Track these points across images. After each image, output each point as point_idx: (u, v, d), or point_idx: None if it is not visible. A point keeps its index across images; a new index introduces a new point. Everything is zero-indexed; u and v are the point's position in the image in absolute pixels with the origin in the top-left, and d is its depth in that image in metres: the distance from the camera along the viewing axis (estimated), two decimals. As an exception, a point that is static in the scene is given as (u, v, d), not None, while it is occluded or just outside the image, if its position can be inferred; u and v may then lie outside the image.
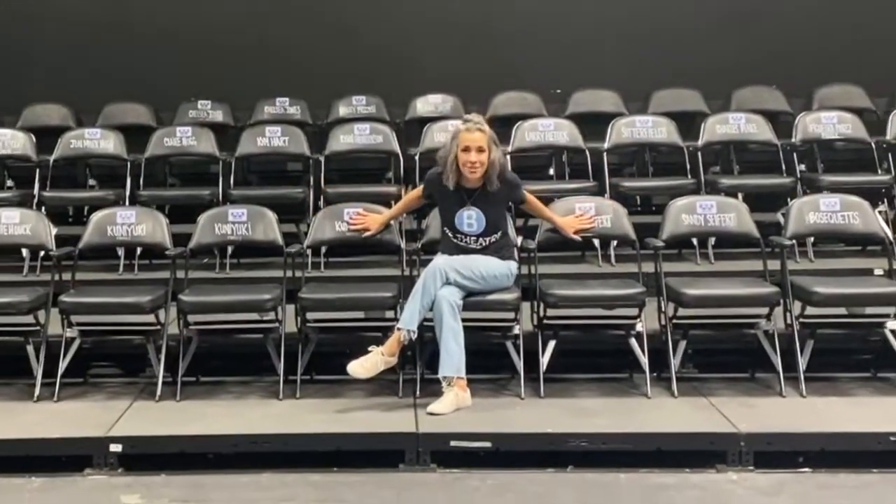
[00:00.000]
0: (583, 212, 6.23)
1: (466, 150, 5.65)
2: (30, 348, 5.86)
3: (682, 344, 5.87)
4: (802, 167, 7.83)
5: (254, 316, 5.96)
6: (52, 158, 7.86)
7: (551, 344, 5.77)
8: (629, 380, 5.97)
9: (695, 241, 6.94)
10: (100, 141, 8.01)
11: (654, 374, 5.79)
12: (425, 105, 8.76)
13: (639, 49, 8.83)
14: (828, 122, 7.92)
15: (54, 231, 6.45)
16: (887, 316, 5.83)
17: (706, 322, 5.96)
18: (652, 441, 5.13)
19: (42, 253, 6.66)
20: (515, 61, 8.82)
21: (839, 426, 5.20)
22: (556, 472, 5.02)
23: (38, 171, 7.82)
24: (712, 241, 6.98)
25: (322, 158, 7.87)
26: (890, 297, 5.84)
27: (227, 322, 6.02)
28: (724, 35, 8.86)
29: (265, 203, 6.62)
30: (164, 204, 7.31)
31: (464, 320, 5.51)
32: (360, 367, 5.44)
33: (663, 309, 5.90)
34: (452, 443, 5.10)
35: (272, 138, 7.99)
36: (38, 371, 5.77)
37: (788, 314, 5.85)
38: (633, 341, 5.76)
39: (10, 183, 8.08)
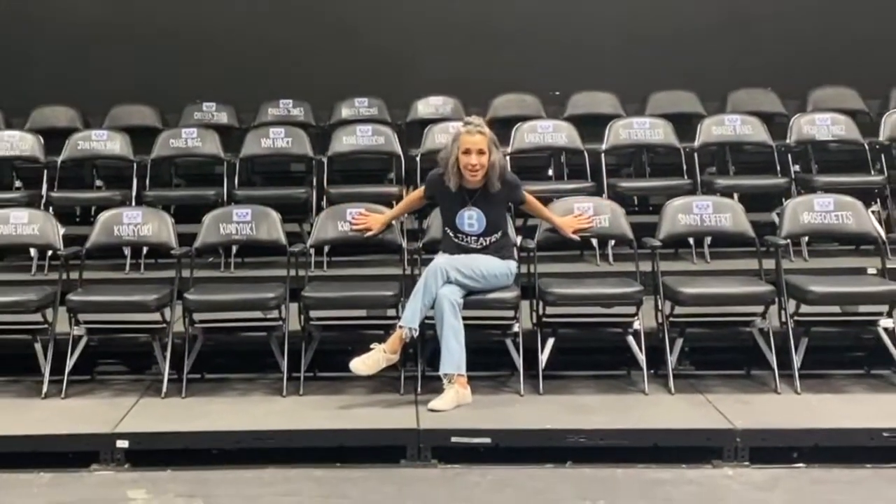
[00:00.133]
0: (581, 212, 6.23)
1: (467, 152, 5.64)
2: (38, 346, 5.86)
3: (679, 341, 5.87)
4: (797, 168, 7.82)
5: (258, 314, 5.97)
6: (59, 159, 7.87)
7: (550, 342, 5.76)
8: (627, 377, 5.97)
9: (691, 240, 6.93)
10: (106, 142, 8.01)
11: (652, 372, 5.78)
12: (426, 107, 8.75)
13: (636, 52, 8.83)
14: (822, 124, 7.92)
15: (62, 231, 6.44)
16: (880, 314, 5.83)
17: (702, 320, 5.97)
18: (649, 437, 5.13)
19: (50, 252, 6.65)
20: (515, 64, 8.82)
21: (833, 422, 5.20)
22: (555, 468, 5.02)
23: (45, 171, 7.82)
24: (708, 240, 6.98)
25: (325, 159, 7.87)
26: (883, 295, 5.83)
27: (231, 320, 6.02)
28: (720, 38, 8.85)
29: (269, 203, 6.61)
30: (170, 204, 7.30)
31: (464, 318, 5.51)
32: (362, 365, 5.44)
33: (660, 307, 5.90)
34: (453, 439, 5.10)
35: (276, 139, 7.99)
36: (46, 368, 5.77)
37: (783, 312, 5.84)
38: (631, 339, 5.75)
39: (18, 183, 8.10)
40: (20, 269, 7.12)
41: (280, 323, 5.85)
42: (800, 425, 5.17)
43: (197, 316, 5.87)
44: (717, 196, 6.77)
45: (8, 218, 6.43)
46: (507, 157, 6.88)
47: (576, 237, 6.22)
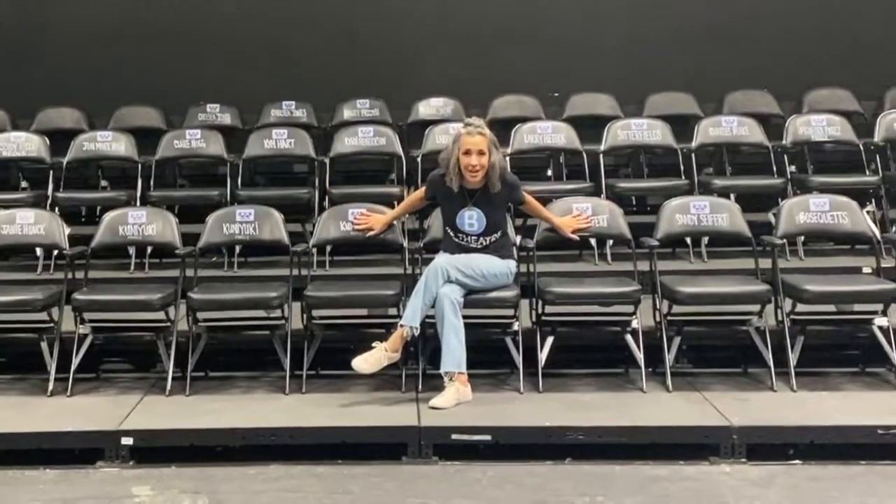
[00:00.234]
0: (580, 212, 6.23)
1: (467, 153, 5.65)
2: (44, 344, 5.86)
3: (677, 340, 5.87)
4: (793, 168, 7.82)
5: (261, 313, 5.97)
6: (65, 160, 7.87)
7: (549, 340, 5.76)
8: (625, 375, 5.97)
9: (688, 240, 6.93)
10: (111, 143, 8.01)
11: (650, 370, 5.78)
12: (427, 108, 8.75)
13: (634, 54, 8.83)
14: (817, 125, 7.92)
15: (67, 231, 6.44)
16: (875, 313, 5.82)
17: (700, 319, 5.98)
18: (647, 434, 5.13)
19: (56, 252, 6.66)
20: (514, 66, 8.81)
21: (828, 419, 5.20)
22: (555, 465, 5.02)
23: (51, 172, 7.82)
24: (705, 240, 6.98)
25: (327, 160, 7.87)
26: (877, 294, 5.83)
27: (234, 319, 6.02)
28: (717, 41, 8.85)
29: (272, 203, 6.61)
30: (174, 204, 7.30)
31: (464, 317, 5.51)
32: (364, 363, 5.45)
33: (658, 306, 5.90)
34: (454, 436, 5.10)
35: (279, 141, 7.99)
36: (52, 366, 5.77)
37: (779, 311, 5.85)
38: (629, 337, 5.76)
39: (24, 184, 8.10)
40: (26, 269, 7.13)
41: (283, 322, 5.86)
42: (796, 422, 5.17)
43: (201, 315, 5.87)
44: (714, 196, 6.77)
45: (14, 218, 6.44)
46: (507, 158, 6.87)
47: (575, 237, 6.22)
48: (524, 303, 5.84)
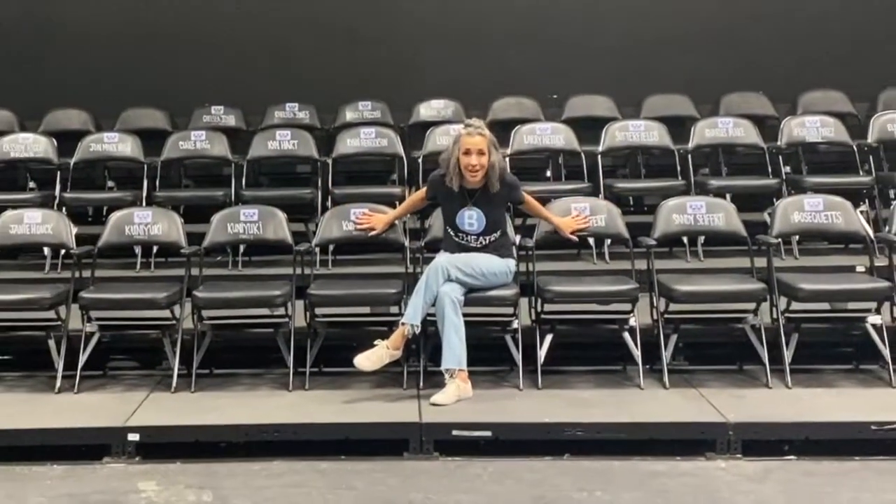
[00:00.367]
0: (578, 212, 6.23)
1: (467, 153, 5.65)
2: (51, 342, 5.86)
3: (674, 338, 5.87)
4: (787, 169, 7.81)
5: (265, 311, 5.96)
6: (72, 161, 7.87)
7: (548, 337, 5.76)
8: (623, 372, 5.97)
9: (685, 239, 6.93)
10: (118, 144, 8.01)
11: (647, 367, 5.78)
12: (428, 110, 8.74)
13: (632, 57, 8.82)
14: (811, 126, 7.92)
15: (74, 230, 6.45)
16: (868, 311, 5.82)
17: (696, 317, 5.97)
18: (645, 430, 5.13)
19: (63, 251, 6.65)
20: (514, 68, 8.80)
21: (823, 416, 5.20)
22: (554, 460, 5.02)
23: (58, 173, 7.81)
24: (702, 239, 6.97)
25: (329, 161, 7.87)
26: (871, 292, 5.83)
27: (239, 317, 6.01)
28: (713, 43, 8.84)
29: (275, 203, 6.61)
30: (179, 204, 7.30)
31: (465, 315, 5.51)
32: (365, 361, 5.44)
33: (655, 304, 5.89)
34: (454, 432, 5.10)
35: (282, 142, 7.98)
36: (59, 364, 5.76)
37: (774, 309, 5.85)
38: (627, 335, 5.75)
39: (32, 185, 8.09)
40: (34, 268, 7.13)
41: (286, 320, 5.86)
42: (791, 419, 5.17)
43: (206, 313, 5.87)
44: (711, 196, 6.77)
45: (22, 218, 6.45)
46: (507, 159, 6.87)
47: (574, 237, 6.21)
48: (524, 301, 5.84)
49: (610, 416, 5.23)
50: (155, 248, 6.97)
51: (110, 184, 8.21)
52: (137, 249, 7.01)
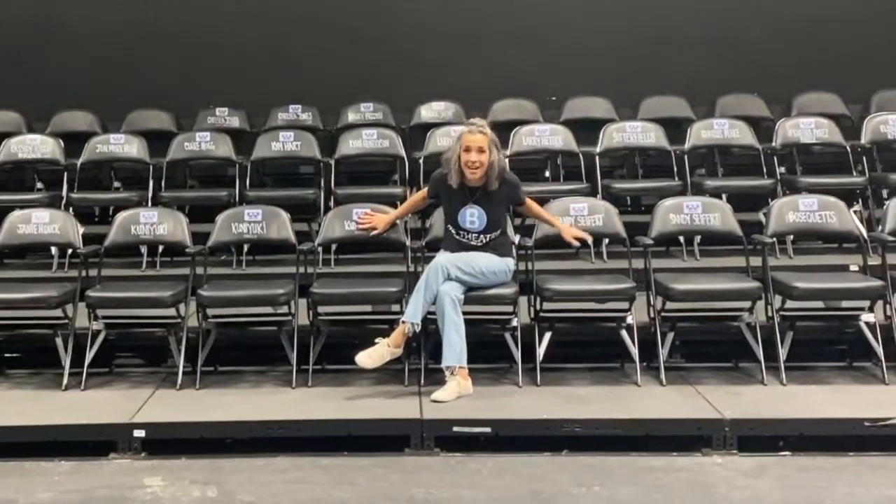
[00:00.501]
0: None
1: (468, 150, 5.66)
2: (58, 340, 5.85)
3: (670, 335, 5.87)
4: (782, 170, 7.80)
5: (268, 309, 5.96)
6: (79, 162, 7.87)
7: (547, 335, 5.76)
8: (620, 369, 5.96)
9: (682, 239, 6.93)
10: (124, 145, 8.00)
11: (644, 364, 5.78)
12: (429, 111, 8.74)
13: (629, 59, 8.81)
14: (806, 128, 7.91)
15: (81, 230, 6.44)
16: (862, 309, 5.81)
17: (692, 315, 5.97)
18: (642, 426, 5.12)
19: (70, 251, 6.64)
20: (513, 71, 8.80)
21: (817, 412, 5.20)
22: (552, 456, 5.01)
23: (66, 174, 7.81)
24: (698, 239, 6.98)
25: (332, 162, 7.86)
26: (864, 291, 5.83)
27: (243, 315, 6.02)
28: (709, 46, 8.84)
29: (279, 203, 6.61)
30: (185, 204, 7.29)
31: (465, 313, 5.50)
32: (367, 358, 5.44)
33: (652, 303, 5.89)
34: (455, 428, 5.09)
35: (285, 143, 7.98)
36: (67, 362, 5.76)
37: (769, 307, 5.84)
38: (624, 333, 5.75)
39: (39, 185, 8.09)
40: (41, 267, 7.13)
41: (290, 318, 5.85)
42: (786, 415, 5.16)
43: (210, 311, 5.87)
44: (707, 196, 6.76)
45: (30, 218, 6.44)
46: (506, 160, 6.84)
47: (574, 242, 6.09)
48: (523, 299, 5.83)
49: (607, 412, 5.22)
50: (160, 248, 6.97)
51: (116, 184, 8.21)
52: (143, 249, 7.02)
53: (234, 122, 8.82)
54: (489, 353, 5.91)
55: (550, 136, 7.84)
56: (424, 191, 6.11)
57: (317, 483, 4.73)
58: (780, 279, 5.81)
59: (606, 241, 6.86)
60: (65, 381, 5.71)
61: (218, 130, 8.30)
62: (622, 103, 8.71)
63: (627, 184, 7.97)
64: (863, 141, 7.84)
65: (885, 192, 7.35)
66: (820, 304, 6.03)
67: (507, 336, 5.77)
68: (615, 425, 5.12)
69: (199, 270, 6.17)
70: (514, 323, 5.75)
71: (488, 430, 5.09)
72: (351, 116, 8.76)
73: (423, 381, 5.64)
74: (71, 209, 7.24)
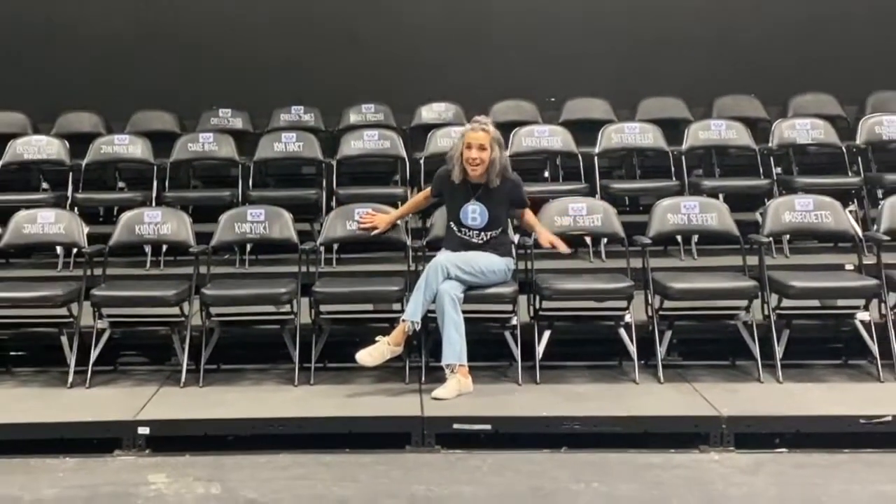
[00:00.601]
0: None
1: (469, 147, 5.68)
2: (63, 339, 5.85)
3: (668, 334, 5.87)
4: (779, 170, 7.80)
5: (271, 308, 5.96)
6: (84, 163, 7.86)
7: (546, 334, 5.76)
8: (618, 367, 5.96)
9: (679, 238, 6.92)
10: (128, 146, 8.00)
11: (642, 362, 5.77)
12: (430, 113, 8.73)
13: (627, 61, 8.81)
14: (802, 129, 7.90)
15: (86, 230, 6.44)
16: (857, 308, 5.81)
17: (690, 313, 5.97)
18: (640, 423, 5.12)
19: (75, 250, 6.64)
20: (513, 72, 8.79)
21: (813, 410, 5.20)
22: (552, 453, 5.01)
23: (71, 174, 7.81)
24: (695, 238, 6.97)
25: (334, 162, 7.85)
26: (859, 290, 5.83)
27: (246, 314, 6.01)
28: (706, 47, 8.84)
29: (281, 204, 6.61)
30: (188, 204, 7.28)
31: (464, 312, 5.50)
32: (367, 356, 5.44)
33: (650, 301, 5.89)
34: (455, 425, 5.09)
35: (288, 144, 7.97)
36: (72, 360, 5.76)
37: (766, 306, 5.84)
38: (623, 331, 5.75)
39: (45, 185, 8.08)
40: (47, 266, 7.12)
41: (292, 316, 5.85)
42: (782, 412, 5.16)
43: (213, 310, 5.87)
44: (704, 196, 6.76)
45: (36, 218, 6.45)
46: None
47: (546, 245, 5.97)
48: (522, 298, 5.83)
49: (606, 410, 5.22)
50: (164, 247, 6.97)
51: (121, 184, 8.20)
52: (147, 248, 7.00)
53: (237, 123, 8.81)
54: (489, 351, 5.91)
55: (550, 136, 7.84)
56: (427, 191, 6.11)
57: (319, 480, 4.72)
58: (777, 278, 5.80)
59: (605, 240, 6.86)
60: (70, 378, 5.71)
61: (221, 131, 8.29)
62: (620, 104, 8.70)
63: (626, 184, 7.96)
64: (858, 142, 7.84)
65: (880, 192, 7.34)
66: (816, 302, 6.03)
67: (507, 334, 5.77)
68: (614, 422, 5.12)
69: (203, 270, 6.17)
70: (514, 321, 5.75)
71: (488, 427, 5.09)
72: (352, 117, 8.76)
73: (423, 378, 5.64)
74: (76, 209, 7.23)
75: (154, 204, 7.38)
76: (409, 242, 6.31)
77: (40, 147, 7.99)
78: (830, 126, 7.95)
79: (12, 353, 6.25)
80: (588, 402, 5.32)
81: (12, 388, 5.79)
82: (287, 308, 5.87)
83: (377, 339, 5.49)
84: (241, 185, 7.70)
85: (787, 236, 6.90)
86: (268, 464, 4.91)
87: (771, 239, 6.39)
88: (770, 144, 7.87)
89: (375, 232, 6.24)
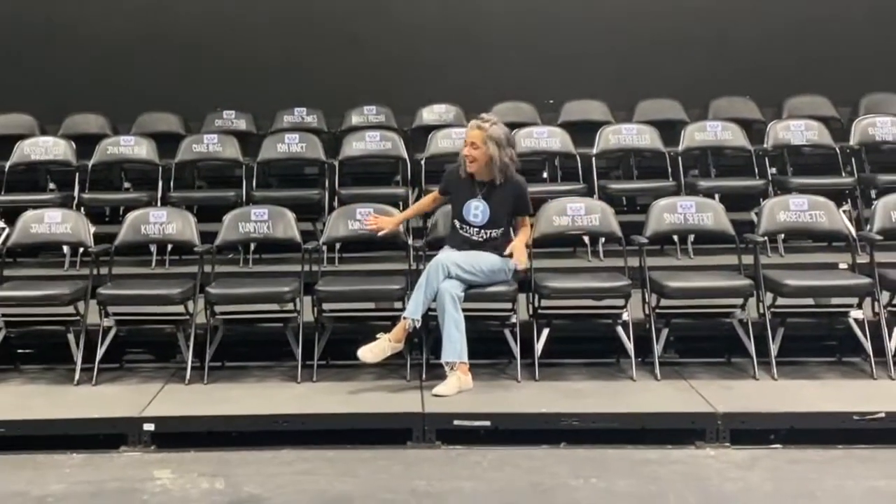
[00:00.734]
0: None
1: (465, 143, 5.73)
2: (70, 336, 5.86)
3: (665, 331, 5.87)
4: (773, 170, 7.80)
5: (274, 306, 5.96)
6: (90, 163, 7.86)
7: (545, 331, 5.76)
8: (616, 364, 5.96)
9: (676, 237, 6.93)
10: (134, 147, 8.00)
11: (639, 359, 5.77)
12: (430, 114, 8.73)
13: (625, 63, 8.81)
14: (796, 130, 7.90)
15: (92, 230, 6.44)
16: (851, 306, 5.82)
17: (686, 311, 5.96)
18: (637, 420, 5.12)
19: (81, 249, 6.65)
20: (512, 74, 8.79)
21: (808, 406, 5.19)
22: (551, 448, 5.01)
23: (77, 175, 7.81)
24: (692, 237, 6.97)
25: (336, 163, 7.86)
26: (853, 288, 5.83)
27: (250, 312, 6.01)
28: (703, 50, 8.84)
29: (284, 204, 6.60)
30: (193, 204, 7.27)
31: (465, 310, 5.50)
32: (368, 353, 5.44)
33: (647, 300, 5.89)
34: (456, 422, 5.09)
35: (291, 145, 7.97)
36: (78, 357, 5.77)
37: (761, 304, 5.84)
38: (620, 329, 5.75)
39: (52, 186, 8.08)
40: (54, 265, 7.14)
41: (295, 315, 5.85)
42: (777, 409, 5.16)
43: (218, 308, 5.87)
44: (700, 197, 6.75)
45: (43, 218, 6.44)
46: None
47: (509, 250, 5.77)
48: (521, 297, 5.83)
49: (604, 406, 5.22)
50: (169, 247, 6.98)
51: (126, 185, 8.20)
52: (153, 248, 7.02)
53: (241, 124, 8.81)
54: (489, 348, 5.90)
55: (548, 138, 7.84)
56: (433, 194, 6.11)
57: (322, 475, 4.73)
58: (772, 277, 5.80)
59: (603, 239, 6.86)
60: (76, 376, 5.71)
61: (225, 132, 8.30)
62: (618, 106, 8.70)
63: (623, 184, 7.96)
64: (852, 142, 7.84)
65: (873, 193, 7.34)
66: (810, 300, 6.02)
67: (507, 332, 5.77)
68: (612, 419, 5.12)
69: (207, 268, 6.18)
70: (513, 319, 5.75)
71: (488, 423, 5.09)
72: (354, 119, 8.76)
73: (424, 375, 5.64)
74: (82, 209, 7.24)
75: (159, 204, 7.39)
76: (410, 242, 6.31)
77: (47, 148, 8.00)
78: (824, 127, 7.95)
79: (20, 351, 6.24)
80: (586, 399, 5.32)
81: (20, 386, 5.79)
82: (290, 306, 5.87)
83: (378, 335, 5.50)
84: (245, 185, 7.70)
85: (782, 236, 6.90)
86: (272, 459, 4.91)
87: (766, 238, 6.38)
88: (765, 145, 7.87)
89: (381, 233, 6.21)
